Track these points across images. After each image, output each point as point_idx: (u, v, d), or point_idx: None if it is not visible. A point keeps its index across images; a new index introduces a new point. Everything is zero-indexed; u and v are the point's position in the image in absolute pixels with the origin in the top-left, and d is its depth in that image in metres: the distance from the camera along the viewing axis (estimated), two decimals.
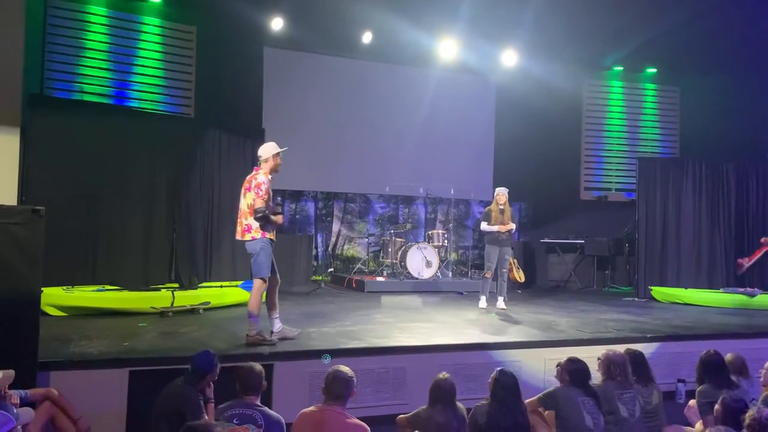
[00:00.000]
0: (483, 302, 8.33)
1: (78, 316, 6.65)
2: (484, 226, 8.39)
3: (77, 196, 7.45)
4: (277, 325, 5.68)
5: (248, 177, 5.65)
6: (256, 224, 5.48)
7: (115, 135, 7.79)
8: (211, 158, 8.68)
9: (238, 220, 5.64)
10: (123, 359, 4.76)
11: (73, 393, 4.16)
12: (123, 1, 9.84)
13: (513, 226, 8.32)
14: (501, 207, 8.31)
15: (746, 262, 9.28)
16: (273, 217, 5.56)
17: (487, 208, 8.56)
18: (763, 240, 9.11)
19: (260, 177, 5.53)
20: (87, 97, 9.43)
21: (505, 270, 8.37)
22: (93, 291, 7.10)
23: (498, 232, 8.24)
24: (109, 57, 9.76)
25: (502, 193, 8.40)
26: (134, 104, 9.88)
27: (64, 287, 6.95)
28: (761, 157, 10.78)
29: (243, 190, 5.62)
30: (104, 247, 7.64)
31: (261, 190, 5.44)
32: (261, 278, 5.56)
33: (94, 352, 4.95)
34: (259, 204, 5.41)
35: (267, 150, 5.67)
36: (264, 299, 5.78)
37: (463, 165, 12.54)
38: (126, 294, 7.21)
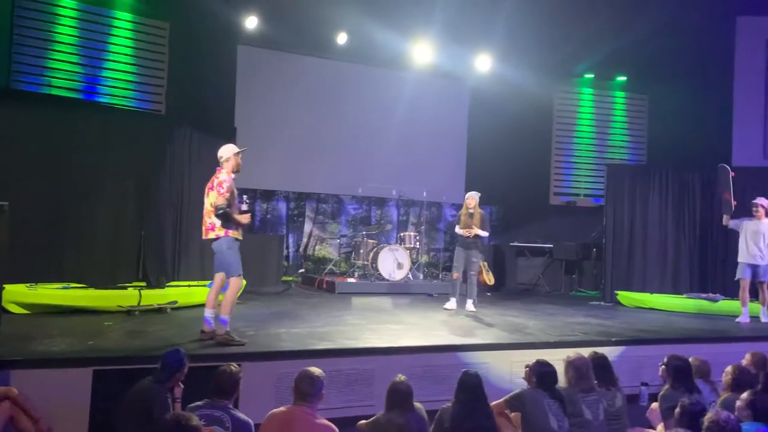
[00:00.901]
0: (452, 303, 8.41)
1: (41, 314, 6.52)
2: (456, 228, 8.55)
3: (43, 192, 7.32)
4: (212, 325, 5.57)
5: (212, 177, 5.69)
6: (219, 222, 5.50)
7: (84, 131, 7.68)
8: (182, 156, 8.61)
9: (203, 220, 5.67)
10: (87, 358, 4.68)
11: (34, 392, 4.07)
12: None
13: (475, 231, 8.31)
14: (470, 211, 8.40)
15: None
16: (237, 217, 5.58)
17: (460, 211, 8.67)
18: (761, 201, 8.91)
19: (222, 176, 5.58)
20: (55, 92, 9.23)
21: (473, 273, 8.44)
22: (58, 288, 6.97)
23: (461, 235, 8.38)
24: (79, 51, 9.55)
25: (471, 197, 8.50)
26: (104, 100, 9.69)
27: (28, 284, 6.79)
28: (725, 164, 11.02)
29: (206, 190, 5.66)
30: (71, 244, 7.52)
31: (222, 188, 5.48)
32: (235, 276, 5.60)
33: (57, 350, 4.87)
34: (220, 201, 5.44)
35: (226, 151, 5.73)
36: (213, 295, 5.70)
37: (436, 168, 12.61)
38: (92, 292, 7.08)
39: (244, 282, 8.20)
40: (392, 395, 3.92)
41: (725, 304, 9.35)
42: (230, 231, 5.54)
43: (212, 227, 5.54)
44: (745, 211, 8.88)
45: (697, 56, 11.55)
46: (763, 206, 8.65)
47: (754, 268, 8.57)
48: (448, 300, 8.48)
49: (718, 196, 9.63)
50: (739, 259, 8.71)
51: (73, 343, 5.15)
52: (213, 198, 5.52)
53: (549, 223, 12.87)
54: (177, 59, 10.28)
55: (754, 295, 8.81)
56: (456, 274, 8.46)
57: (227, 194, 5.49)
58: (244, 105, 11.08)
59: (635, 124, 13.52)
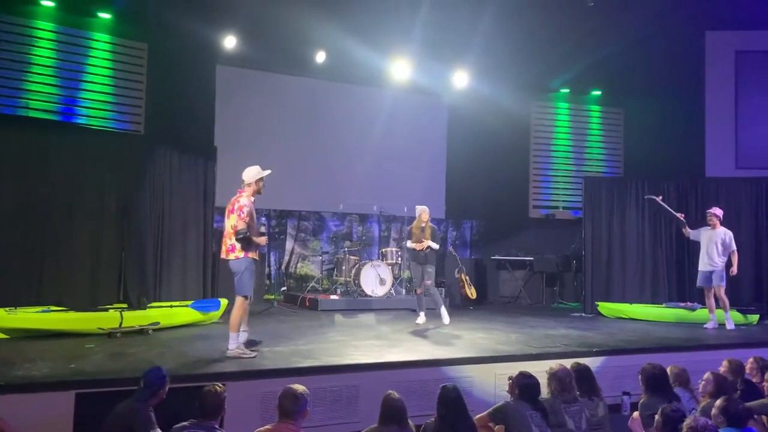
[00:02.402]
0: (422, 318, 8.52)
1: (21, 339, 6.44)
2: (408, 243, 8.64)
3: (22, 214, 7.27)
4: (243, 339, 5.89)
5: (232, 199, 5.91)
6: (239, 244, 5.76)
7: (63, 152, 7.65)
8: (162, 176, 8.58)
9: (223, 240, 5.91)
10: (69, 381, 4.64)
11: (16, 418, 4.03)
12: (72, 16, 9.66)
13: (427, 244, 8.38)
14: (422, 225, 8.48)
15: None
16: (255, 239, 5.87)
17: (411, 225, 8.73)
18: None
19: (243, 200, 5.82)
20: (33, 113, 9.20)
21: (429, 282, 8.52)
22: (38, 312, 6.89)
23: (414, 249, 8.46)
24: (56, 72, 9.54)
25: (425, 212, 8.59)
26: (82, 121, 9.67)
27: (7, 308, 6.72)
28: (699, 176, 11.25)
29: (227, 212, 5.92)
30: (50, 266, 7.44)
31: (243, 213, 5.74)
32: (243, 296, 5.85)
33: (38, 374, 4.82)
34: (241, 226, 5.70)
35: (250, 176, 5.97)
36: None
37: (416, 183, 12.67)
38: (72, 315, 7.01)
39: (225, 302, 8.26)
40: (389, 411, 3.89)
41: (703, 313, 9.47)
42: (249, 253, 5.81)
43: (232, 248, 5.79)
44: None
45: (669, 70, 11.81)
46: (716, 215, 8.97)
47: (708, 275, 8.80)
48: (418, 315, 8.59)
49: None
50: (699, 268, 8.96)
51: (55, 367, 5.11)
52: (233, 221, 5.76)
53: (529, 236, 13.00)
54: (155, 80, 10.29)
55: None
56: (419, 290, 8.61)
57: (247, 218, 5.75)
58: (224, 124, 11.08)
59: (611, 137, 13.73)
